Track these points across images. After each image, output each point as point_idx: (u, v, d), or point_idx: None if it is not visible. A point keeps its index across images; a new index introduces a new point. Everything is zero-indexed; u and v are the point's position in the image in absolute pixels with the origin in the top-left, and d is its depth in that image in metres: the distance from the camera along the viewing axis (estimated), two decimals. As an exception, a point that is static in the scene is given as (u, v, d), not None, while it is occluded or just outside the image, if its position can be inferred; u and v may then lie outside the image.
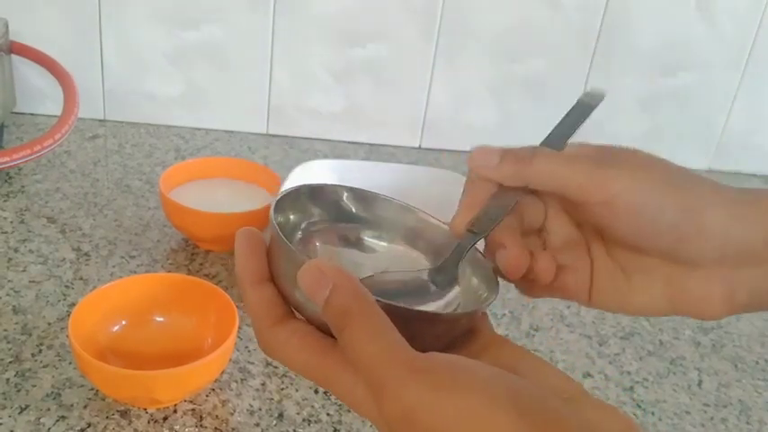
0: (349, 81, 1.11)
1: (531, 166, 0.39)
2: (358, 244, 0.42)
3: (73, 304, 0.70)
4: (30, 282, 0.74)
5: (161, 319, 0.66)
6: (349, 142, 1.15)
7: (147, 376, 0.57)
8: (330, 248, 0.41)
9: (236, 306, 0.62)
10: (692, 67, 1.15)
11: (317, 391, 0.65)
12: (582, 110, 0.42)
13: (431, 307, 0.39)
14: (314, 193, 0.41)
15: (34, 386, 0.61)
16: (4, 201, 0.87)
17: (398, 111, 1.14)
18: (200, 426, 0.60)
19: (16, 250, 0.79)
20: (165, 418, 0.60)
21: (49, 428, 0.58)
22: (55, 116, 0.93)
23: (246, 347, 0.69)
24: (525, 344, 0.75)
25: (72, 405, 0.60)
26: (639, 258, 0.40)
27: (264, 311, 0.35)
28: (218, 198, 0.84)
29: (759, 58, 1.15)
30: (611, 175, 0.38)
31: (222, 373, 0.64)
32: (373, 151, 1.13)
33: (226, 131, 1.13)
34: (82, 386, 0.62)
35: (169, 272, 0.78)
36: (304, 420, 0.61)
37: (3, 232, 0.81)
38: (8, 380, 0.62)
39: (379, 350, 0.30)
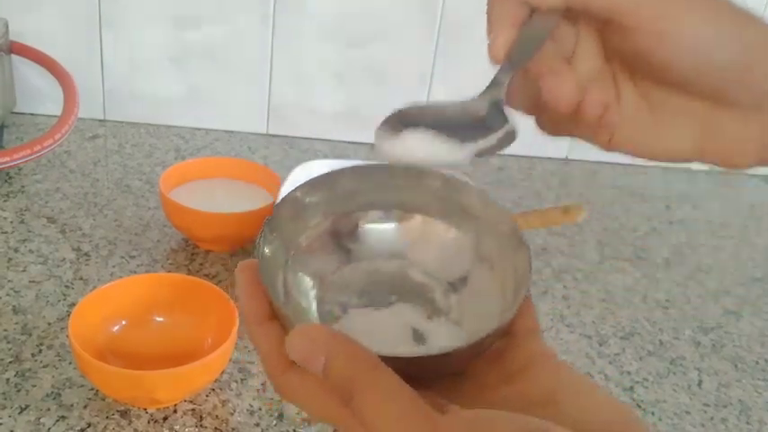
0: (349, 81, 1.11)
1: None
2: (357, 235, 0.38)
3: (73, 304, 0.70)
4: (30, 282, 0.74)
5: (161, 319, 0.66)
6: (349, 142, 1.15)
7: (147, 376, 0.56)
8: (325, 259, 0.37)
9: (236, 306, 0.62)
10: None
11: (316, 391, 0.65)
12: None
13: (482, 143, 0.36)
14: (293, 207, 0.37)
15: (34, 386, 0.61)
16: (4, 201, 0.87)
17: (398, 111, 1.14)
18: (200, 426, 0.60)
19: (16, 250, 0.79)
20: (165, 418, 0.60)
21: (49, 428, 0.58)
22: (55, 116, 0.93)
23: (246, 347, 0.69)
24: (525, 344, 0.74)
25: (72, 405, 0.60)
26: (675, 96, 0.36)
27: (274, 355, 0.32)
28: (217, 198, 0.84)
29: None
30: (675, 3, 0.34)
31: (222, 373, 0.64)
32: (373, 151, 1.13)
33: (226, 131, 1.13)
34: (82, 386, 0.62)
35: (169, 272, 0.78)
36: (304, 420, 0.61)
37: (3, 232, 0.81)
38: (8, 380, 0.62)
39: (395, 418, 0.27)
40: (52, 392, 0.61)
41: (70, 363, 0.64)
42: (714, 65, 0.34)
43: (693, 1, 0.34)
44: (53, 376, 0.62)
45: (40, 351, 0.65)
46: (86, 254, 0.80)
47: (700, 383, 0.73)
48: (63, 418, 0.59)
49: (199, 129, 1.13)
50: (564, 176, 1.13)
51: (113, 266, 0.78)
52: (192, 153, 1.05)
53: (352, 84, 1.11)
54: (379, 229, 0.38)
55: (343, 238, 0.38)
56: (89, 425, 0.58)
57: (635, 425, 0.30)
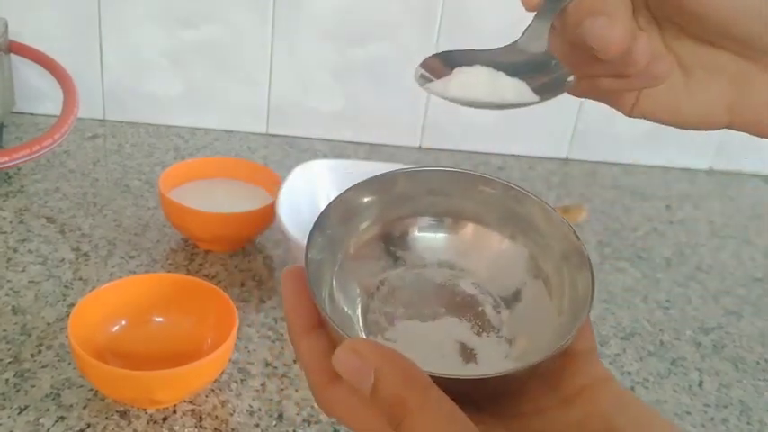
0: (349, 81, 1.11)
1: None
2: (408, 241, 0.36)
3: (72, 304, 0.70)
4: (29, 282, 0.74)
5: (160, 319, 0.66)
6: (349, 142, 1.15)
7: (147, 377, 0.56)
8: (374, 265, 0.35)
9: (236, 306, 0.62)
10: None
11: (316, 392, 0.64)
12: None
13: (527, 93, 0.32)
14: (343, 209, 0.35)
15: (33, 386, 0.61)
16: (4, 201, 0.87)
17: (398, 111, 1.14)
18: (200, 426, 0.60)
19: (15, 250, 0.78)
20: (164, 419, 0.60)
21: (49, 429, 0.57)
22: (54, 116, 0.93)
23: (246, 348, 0.69)
24: (525, 344, 0.74)
25: (71, 405, 0.60)
26: (708, 52, 0.34)
27: (318, 366, 0.30)
28: (217, 198, 0.83)
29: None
30: None
31: (222, 373, 0.64)
32: (373, 151, 1.13)
33: (225, 131, 1.13)
34: (81, 386, 0.62)
35: (169, 272, 0.78)
36: (304, 421, 0.61)
37: (2, 232, 0.81)
38: (7, 380, 0.61)
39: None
40: (51, 393, 0.61)
41: (69, 363, 0.64)
42: (752, 13, 0.31)
43: None
44: (52, 376, 0.62)
45: (40, 351, 0.65)
46: (86, 254, 0.79)
47: (700, 384, 0.72)
48: (62, 418, 0.59)
49: (198, 128, 1.12)
50: (564, 176, 1.13)
51: (113, 267, 0.78)
52: (192, 153, 1.05)
53: (352, 84, 1.11)
54: (429, 237, 0.36)
55: (392, 245, 0.36)
56: (88, 425, 0.58)
57: None
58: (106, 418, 0.59)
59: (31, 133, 1.04)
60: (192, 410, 0.61)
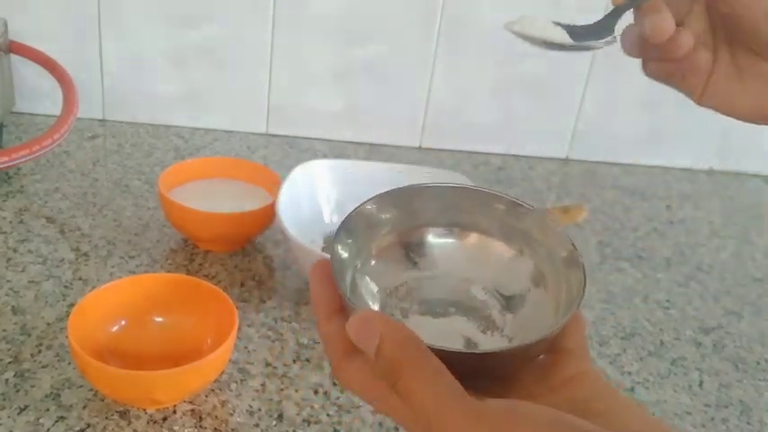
0: (349, 81, 1.11)
1: None
2: (423, 247, 0.40)
3: (72, 304, 0.70)
4: (29, 282, 0.74)
5: (160, 319, 0.66)
6: (349, 142, 1.15)
7: (147, 377, 0.56)
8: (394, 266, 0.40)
9: (236, 306, 0.62)
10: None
11: (316, 392, 0.64)
12: None
13: None
14: (366, 217, 0.39)
15: (33, 387, 0.61)
16: (3, 201, 0.87)
17: (398, 111, 1.14)
18: (200, 426, 0.59)
19: (15, 250, 0.78)
20: (164, 419, 0.60)
21: (48, 429, 0.57)
22: (54, 116, 0.93)
23: (246, 348, 0.69)
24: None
25: (71, 405, 0.60)
26: (757, 62, 0.44)
27: (337, 341, 0.34)
28: (217, 198, 0.83)
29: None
30: None
31: (222, 373, 0.64)
32: (373, 151, 1.13)
33: (225, 131, 1.13)
34: (81, 387, 0.61)
35: (168, 272, 0.78)
36: (304, 421, 0.61)
37: (2, 232, 0.81)
38: (7, 380, 0.61)
39: (433, 400, 0.30)
40: (51, 393, 0.61)
41: (69, 363, 0.64)
42: None
43: None
44: (52, 377, 0.62)
45: (40, 351, 0.65)
46: (86, 254, 0.79)
47: (701, 384, 0.72)
48: (62, 418, 0.58)
49: (198, 128, 1.12)
50: (564, 176, 1.13)
51: (113, 267, 0.78)
52: (192, 153, 1.05)
53: (352, 84, 1.11)
54: (444, 246, 0.40)
55: (409, 250, 0.40)
56: (88, 425, 0.58)
57: None
58: (106, 418, 0.59)
59: (30, 133, 1.04)
60: (192, 410, 0.61)
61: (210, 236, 0.80)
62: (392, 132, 1.14)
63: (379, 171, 0.86)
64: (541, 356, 0.36)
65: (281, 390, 0.64)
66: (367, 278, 0.38)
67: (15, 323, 0.68)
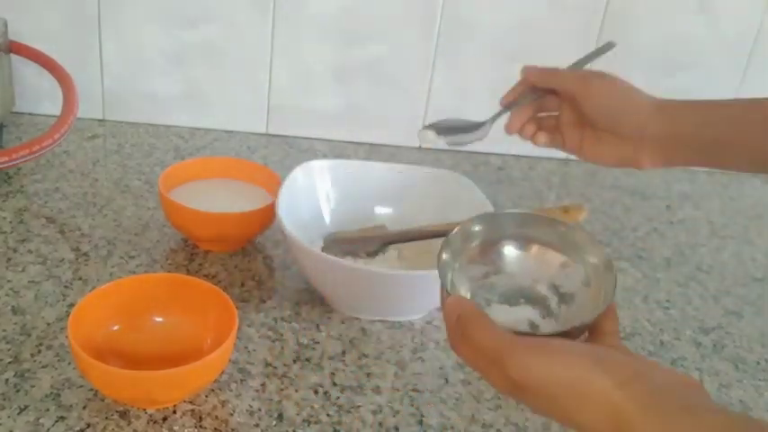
0: (349, 81, 1.11)
1: (555, 76, 0.68)
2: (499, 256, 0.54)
3: (72, 304, 0.70)
4: (29, 282, 0.74)
5: (160, 319, 0.66)
6: (349, 142, 1.15)
7: (147, 377, 0.56)
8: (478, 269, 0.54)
9: (236, 306, 0.62)
10: (692, 66, 1.15)
11: (316, 392, 0.65)
12: (599, 52, 0.74)
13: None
14: (462, 233, 0.53)
15: (33, 386, 0.61)
16: (3, 201, 0.87)
17: (398, 111, 1.14)
18: (200, 426, 0.60)
19: (15, 250, 0.78)
20: (164, 419, 0.60)
21: (48, 429, 0.57)
22: (54, 116, 0.93)
23: (246, 348, 0.69)
24: (526, 344, 0.74)
25: (71, 405, 0.60)
26: (607, 134, 0.66)
27: (451, 324, 0.46)
28: (217, 198, 0.83)
29: (760, 58, 1.15)
30: (593, 83, 0.66)
31: (221, 373, 0.64)
32: (373, 151, 1.13)
33: (225, 131, 1.13)
34: (81, 386, 0.62)
35: (168, 272, 0.78)
36: (304, 421, 0.61)
37: (2, 232, 0.81)
38: (7, 380, 0.61)
39: (490, 338, 0.42)
40: (51, 393, 0.61)
41: (69, 363, 0.64)
42: (614, 118, 0.65)
43: (607, 85, 0.66)
44: (52, 377, 0.62)
45: (40, 351, 0.65)
46: (85, 254, 0.79)
47: (700, 383, 0.72)
48: (62, 418, 0.59)
49: (198, 128, 1.13)
50: (564, 176, 1.13)
51: (113, 266, 0.78)
52: (192, 153, 1.05)
53: (352, 84, 1.11)
54: (516, 254, 0.54)
55: (492, 257, 0.54)
56: (88, 425, 0.58)
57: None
58: (106, 418, 0.59)
59: (30, 133, 1.04)
60: (192, 410, 0.61)
61: (210, 236, 0.80)
62: (392, 132, 1.15)
63: (378, 171, 0.86)
64: (585, 335, 0.47)
65: (281, 390, 0.64)
66: (461, 277, 0.52)
67: (15, 323, 0.68)
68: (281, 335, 0.71)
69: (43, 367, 0.63)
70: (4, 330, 0.67)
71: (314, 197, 0.84)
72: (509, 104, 0.69)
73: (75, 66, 1.00)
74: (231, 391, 0.64)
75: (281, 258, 0.83)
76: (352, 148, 1.13)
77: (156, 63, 1.08)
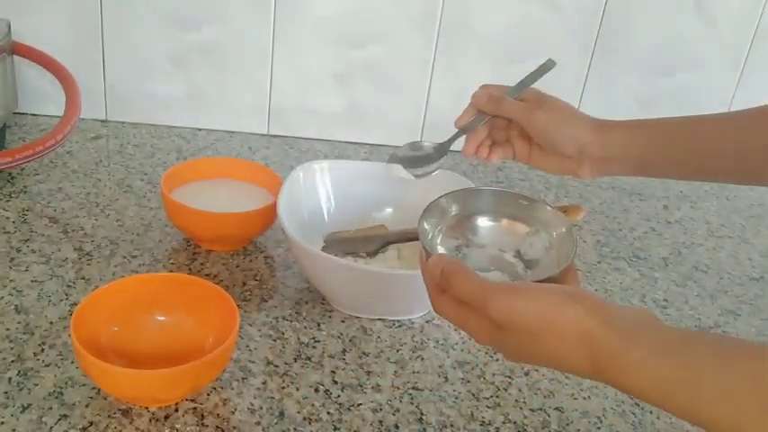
0: (349, 82, 1.12)
1: (501, 105, 0.73)
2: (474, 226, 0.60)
3: (75, 304, 0.71)
4: (32, 281, 0.74)
5: (162, 318, 0.67)
6: (349, 142, 1.15)
7: (149, 375, 0.57)
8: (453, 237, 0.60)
9: (237, 305, 0.63)
10: (690, 67, 1.16)
11: (317, 390, 0.65)
12: (541, 71, 0.76)
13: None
14: (438, 207, 0.59)
15: (36, 385, 0.62)
16: (7, 201, 0.88)
17: (398, 111, 1.14)
18: (202, 424, 0.60)
19: (18, 250, 0.79)
20: (166, 417, 0.60)
21: (51, 427, 0.58)
22: (57, 117, 0.94)
23: (247, 346, 0.69)
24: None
25: (74, 404, 0.60)
26: (549, 150, 0.72)
27: (432, 283, 0.52)
28: (219, 198, 0.84)
29: (756, 57, 1.16)
30: (536, 113, 0.71)
31: (223, 372, 0.64)
32: (373, 151, 1.14)
33: (227, 132, 1.14)
34: (84, 385, 0.62)
35: (171, 271, 0.79)
36: (305, 419, 0.62)
37: (5, 232, 0.82)
38: (10, 379, 0.62)
39: (474, 285, 0.47)
40: (54, 391, 0.61)
41: (72, 362, 0.64)
42: (554, 139, 0.71)
43: (550, 111, 0.72)
44: (55, 375, 0.63)
45: (43, 350, 0.66)
46: (88, 254, 0.80)
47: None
48: (65, 416, 0.59)
49: (200, 129, 1.13)
50: (562, 177, 1.14)
51: (115, 266, 0.79)
52: (194, 153, 1.06)
53: (352, 84, 1.12)
54: (487, 226, 0.60)
55: (466, 229, 0.59)
56: (91, 423, 0.59)
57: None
58: (108, 416, 0.60)
59: (33, 134, 1.05)
60: (194, 409, 0.61)
61: (212, 236, 0.81)
62: (392, 133, 1.15)
63: (378, 171, 0.87)
64: None
65: (282, 388, 0.65)
66: (439, 245, 0.58)
67: (19, 322, 0.69)
68: (282, 334, 0.72)
69: (46, 366, 0.64)
70: (8, 329, 0.68)
71: (314, 197, 0.84)
72: (464, 128, 0.74)
73: (77, 67, 1.01)
74: (233, 389, 0.64)
75: (281, 258, 0.84)
76: (352, 149, 1.14)
77: (159, 64, 1.09)
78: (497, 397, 0.67)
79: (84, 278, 0.76)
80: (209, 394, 0.63)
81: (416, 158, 0.78)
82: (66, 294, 0.73)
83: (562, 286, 0.47)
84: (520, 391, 0.69)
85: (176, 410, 0.61)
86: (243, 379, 0.65)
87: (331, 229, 0.82)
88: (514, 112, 0.72)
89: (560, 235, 0.57)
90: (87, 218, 0.86)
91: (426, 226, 0.58)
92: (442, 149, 0.78)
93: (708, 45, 1.14)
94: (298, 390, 0.65)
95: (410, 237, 0.78)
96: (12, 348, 0.65)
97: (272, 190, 0.84)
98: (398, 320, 0.76)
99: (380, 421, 0.63)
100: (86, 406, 0.60)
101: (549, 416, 0.66)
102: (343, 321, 0.74)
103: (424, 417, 0.64)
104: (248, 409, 0.62)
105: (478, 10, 1.08)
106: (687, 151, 0.66)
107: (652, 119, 0.69)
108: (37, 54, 1.00)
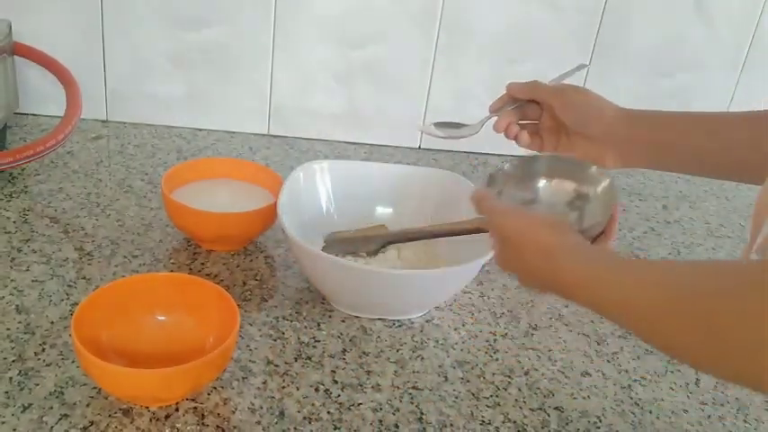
0: (349, 82, 1.12)
1: (535, 89, 0.77)
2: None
3: (75, 303, 0.71)
4: (33, 281, 0.75)
5: (163, 318, 0.67)
6: (349, 143, 1.16)
7: (149, 375, 0.57)
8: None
9: (238, 305, 0.63)
10: (690, 67, 1.16)
11: (317, 390, 0.65)
12: (573, 70, 0.83)
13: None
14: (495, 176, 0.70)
15: (37, 385, 0.62)
16: (8, 201, 0.88)
17: (398, 111, 1.14)
18: (202, 424, 0.60)
19: (19, 250, 0.79)
20: (167, 417, 0.60)
21: (52, 427, 0.58)
22: (58, 117, 0.94)
23: (248, 346, 0.69)
24: (524, 342, 0.75)
25: (75, 403, 0.60)
26: (578, 136, 0.75)
27: (486, 206, 0.63)
28: (219, 198, 0.84)
29: (756, 58, 1.16)
30: (567, 92, 0.76)
31: (224, 371, 0.65)
32: (373, 151, 1.14)
33: (227, 132, 1.14)
34: (84, 385, 0.62)
35: (171, 271, 0.79)
36: (305, 419, 0.62)
37: (6, 232, 0.82)
38: (11, 378, 0.62)
39: (487, 206, 0.62)
40: (55, 391, 0.61)
41: (73, 361, 0.64)
42: (581, 122, 0.74)
43: (578, 97, 0.75)
44: (56, 375, 0.63)
45: (43, 350, 0.66)
46: (89, 253, 0.80)
47: (697, 382, 0.73)
48: (66, 416, 0.59)
49: (200, 129, 1.13)
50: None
51: (116, 266, 0.79)
52: (194, 153, 1.06)
53: (353, 85, 1.12)
54: (545, 185, 0.70)
55: (524, 191, 0.70)
56: (92, 423, 0.59)
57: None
58: (109, 415, 0.60)
59: (34, 134, 1.05)
60: (195, 408, 0.62)
61: (212, 235, 0.81)
62: (392, 133, 1.15)
63: (378, 171, 0.87)
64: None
65: (283, 388, 0.65)
66: (508, 199, 0.69)
67: (19, 322, 0.69)
68: (283, 333, 0.72)
69: (47, 366, 0.64)
70: (9, 329, 0.68)
71: (314, 197, 0.84)
72: (496, 110, 0.79)
73: (78, 67, 1.01)
74: (233, 388, 0.64)
75: (282, 258, 0.84)
76: (352, 149, 1.14)
77: (159, 64, 1.09)
78: (497, 396, 0.67)
79: (84, 278, 0.76)
80: (209, 394, 0.63)
81: (448, 124, 0.83)
82: (67, 294, 0.73)
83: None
84: (519, 390, 0.69)
85: (177, 410, 0.61)
86: (243, 378, 0.65)
87: (331, 229, 0.82)
88: (547, 94, 0.77)
89: (605, 188, 0.67)
90: (88, 218, 0.87)
91: (489, 187, 0.69)
92: (473, 128, 0.82)
93: (707, 45, 1.14)
94: (298, 389, 0.65)
95: (410, 237, 0.79)
96: (13, 348, 0.66)
97: (273, 190, 0.84)
98: (398, 320, 0.76)
99: (380, 421, 0.63)
100: (87, 405, 0.60)
101: (548, 415, 0.66)
102: (343, 321, 0.75)
103: (423, 416, 0.64)
104: (248, 408, 0.62)
105: (478, 10, 1.08)
106: (709, 136, 0.69)
107: (674, 111, 0.73)
108: (37, 54, 1.00)
